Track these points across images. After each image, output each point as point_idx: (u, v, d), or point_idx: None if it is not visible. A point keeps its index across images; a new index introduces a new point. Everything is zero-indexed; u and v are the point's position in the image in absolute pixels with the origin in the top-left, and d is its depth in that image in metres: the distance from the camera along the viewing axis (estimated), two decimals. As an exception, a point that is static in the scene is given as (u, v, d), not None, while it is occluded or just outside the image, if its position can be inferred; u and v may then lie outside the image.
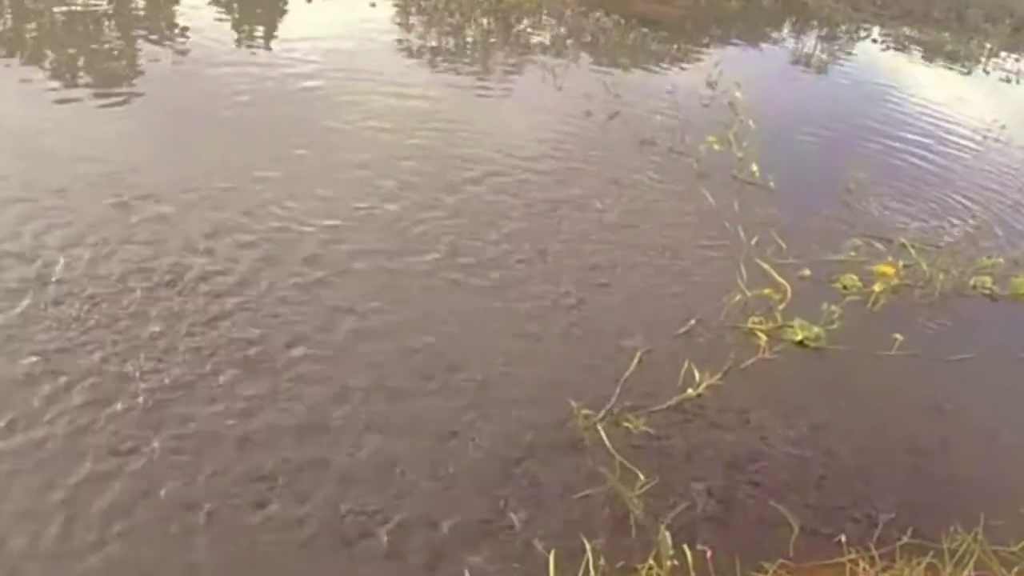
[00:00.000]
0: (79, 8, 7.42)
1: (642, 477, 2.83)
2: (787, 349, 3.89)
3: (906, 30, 12.28)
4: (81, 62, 6.36)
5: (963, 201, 6.11)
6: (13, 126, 4.93)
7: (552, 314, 3.84)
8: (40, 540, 2.28)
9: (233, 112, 5.62)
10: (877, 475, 3.17)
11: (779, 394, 3.59)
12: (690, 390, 3.41)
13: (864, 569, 2.39)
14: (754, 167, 5.78)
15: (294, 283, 3.71)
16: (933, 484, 3.21)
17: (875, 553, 2.53)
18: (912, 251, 4.95)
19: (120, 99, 5.64)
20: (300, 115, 5.74)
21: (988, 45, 11.96)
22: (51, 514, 2.36)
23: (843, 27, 12.30)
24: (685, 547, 2.50)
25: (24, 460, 2.53)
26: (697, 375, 3.46)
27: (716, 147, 5.99)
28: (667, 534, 2.55)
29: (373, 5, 9.13)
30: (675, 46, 9.36)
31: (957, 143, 7.50)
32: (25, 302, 3.25)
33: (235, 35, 7.48)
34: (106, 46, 6.86)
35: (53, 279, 3.42)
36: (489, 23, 9.32)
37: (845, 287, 4.49)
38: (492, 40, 8.94)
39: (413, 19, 8.98)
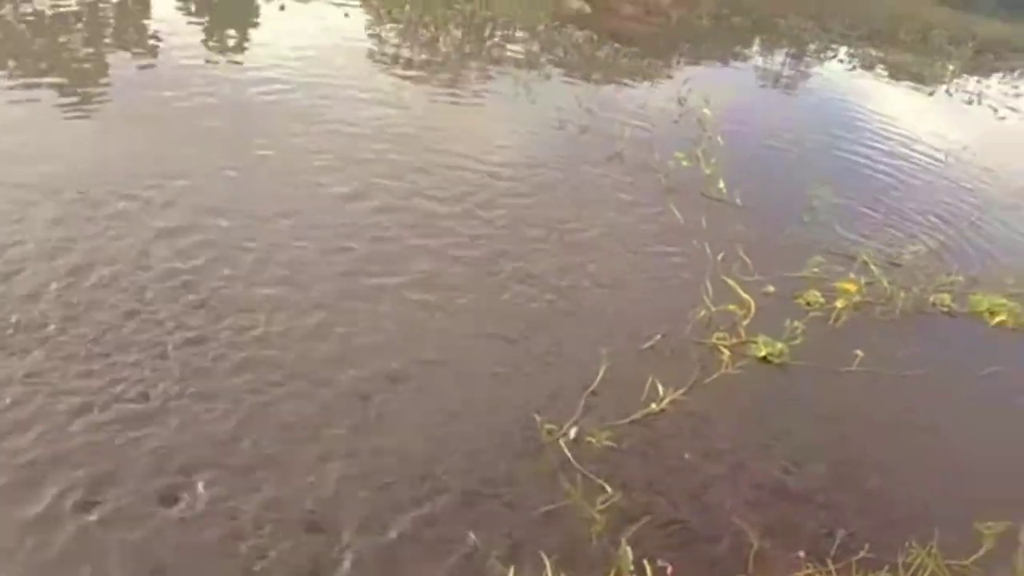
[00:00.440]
0: (48, 11, 7.33)
1: (609, 490, 2.85)
2: (750, 365, 3.93)
3: (872, 51, 12.54)
4: (45, 65, 6.27)
5: (924, 219, 6.24)
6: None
7: (517, 328, 3.84)
8: None
9: (197, 115, 5.58)
10: (837, 490, 3.21)
11: (741, 409, 3.62)
12: (653, 405, 3.43)
13: (822, 585, 2.41)
14: (721, 184, 5.85)
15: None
16: (891, 499, 3.24)
17: (832, 568, 2.55)
18: (874, 268, 5.04)
19: (83, 101, 5.59)
20: (264, 120, 5.72)
21: (951, 67, 12.24)
22: None
23: (811, 46, 12.53)
24: (645, 562, 2.51)
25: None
26: (661, 390, 3.50)
27: (684, 163, 6.07)
28: (628, 549, 2.55)
29: (347, 15, 9.13)
30: (646, 62, 9.47)
31: (919, 162, 7.65)
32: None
33: (206, 41, 7.43)
34: (74, 51, 6.77)
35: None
36: (463, 35, 9.35)
37: (808, 303, 4.56)
38: (466, 52, 8.97)
39: (386, 30, 8.98)
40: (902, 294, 4.76)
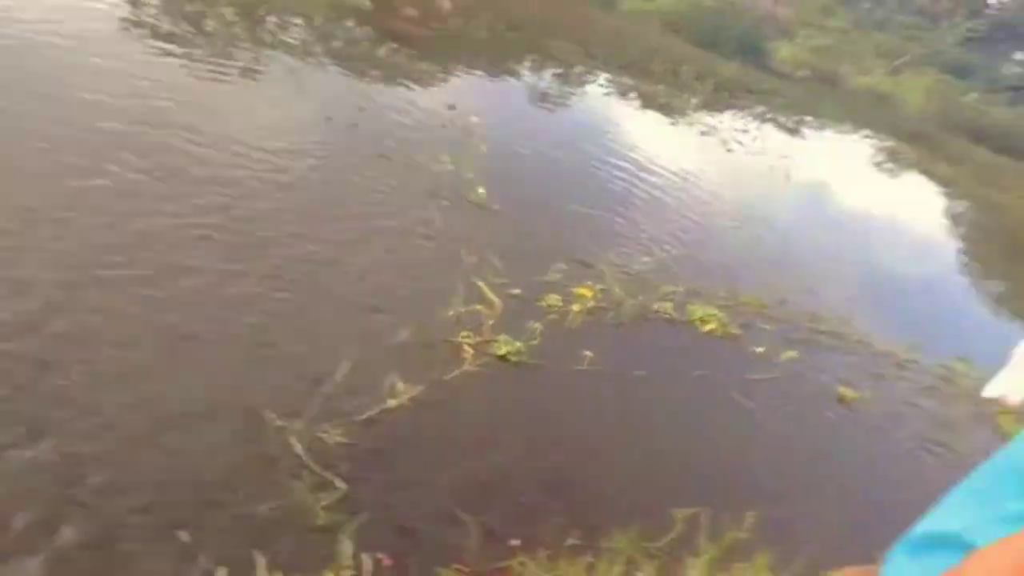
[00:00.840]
0: None
1: (338, 486, 2.85)
2: (490, 363, 4.12)
3: (628, 79, 13.66)
4: None
5: (656, 234, 6.90)
6: None
7: (258, 321, 3.72)
8: None
9: None
10: (554, 481, 3.44)
11: (477, 405, 3.78)
12: (391, 400, 3.49)
13: (532, 570, 2.58)
14: (481, 190, 6.09)
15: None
16: (603, 489, 3.55)
17: (543, 555, 2.74)
18: (608, 277, 5.50)
19: None
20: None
21: (694, 100, 13.69)
22: None
23: (576, 69, 13.39)
24: (364, 556, 2.55)
25: None
26: (401, 386, 3.57)
27: (448, 167, 6.25)
28: (348, 542, 2.58)
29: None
30: (422, 65, 9.58)
31: (658, 184, 8.46)
32: None
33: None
34: None
35: None
36: (233, 14, 8.86)
37: (549, 306, 4.87)
38: (235, 32, 8.50)
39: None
40: (630, 301, 5.24)
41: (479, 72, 10.84)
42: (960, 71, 28.34)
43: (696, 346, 5.27)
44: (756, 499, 3.61)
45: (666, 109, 12.55)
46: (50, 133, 4.63)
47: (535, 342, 4.34)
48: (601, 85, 12.89)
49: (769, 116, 15.58)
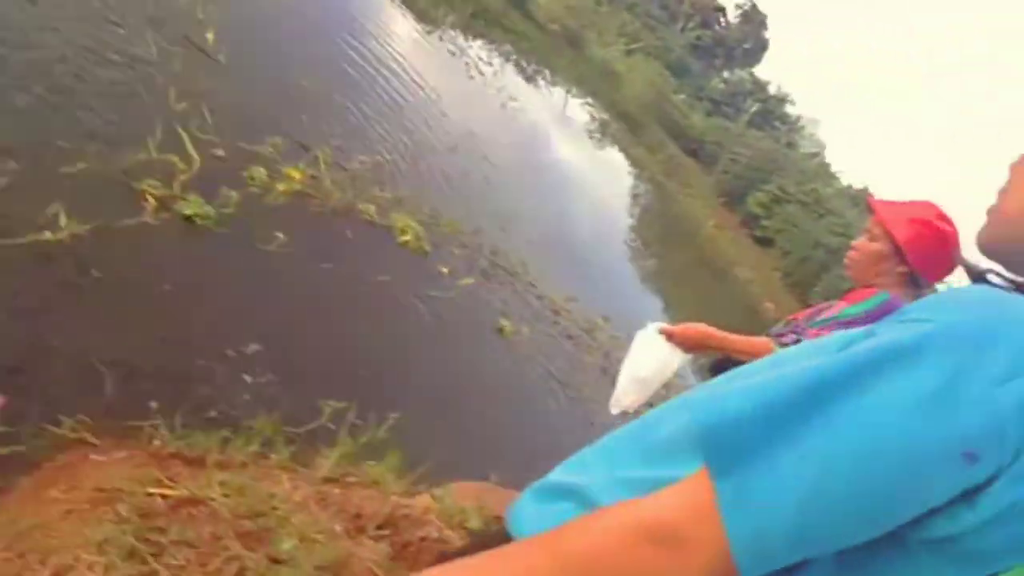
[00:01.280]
0: None
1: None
2: (173, 220, 3.84)
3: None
4: None
5: (382, 137, 6.90)
6: None
7: None
8: None
9: None
10: (214, 352, 3.37)
11: (147, 260, 3.54)
12: (48, 233, 3.14)
13: (162, 434, 2.54)
14: (210, 35, 5.55)
15: None
16: (260, 368, 3.55)
17: (177, 422, 2.70)
18: (323, 164, 5.40)
19: None
20: None
21: (451, 18, 13.62)
22: None
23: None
24: (-22, 393, 2.32)
25: None
26: (64, 220, 3.22)
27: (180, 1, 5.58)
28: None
29: None
30: None
31: (398, 88, 8.39)
32: None
33: None
34: None
35: None
36: None
37: (252, 178, 4.64)
38: None
39: None
40: (338, 194, 5.22)
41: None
42: (679, 71, 31.79)
43: (388, 253, 5.43)
44: (402, 405, 3.91)
45: (422, 17, 12.34)
46: None
47: (228, 211, 4.14)
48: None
49: (513, 57, 16.10)
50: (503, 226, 7.59)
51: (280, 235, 4.30)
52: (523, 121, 12.36)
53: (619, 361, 6.86)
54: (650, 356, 2.45)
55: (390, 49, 9.23)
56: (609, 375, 6.74)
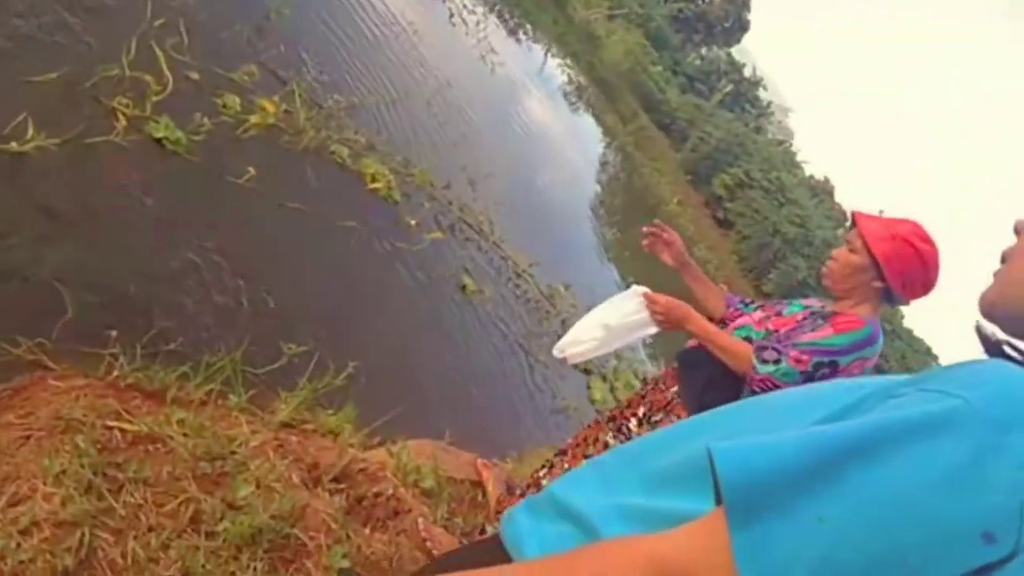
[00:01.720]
0: None
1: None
2: (143, 142, 3.71)
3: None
4: None
5: (360, 78, 6.74)
6: None
7: None
8: None
9: None
10: (178, 283, 3.31)
11: (112, 180, 3.40)
12: (14, 144, 3.00)
13: (121, 364, 2.49)
14: (190, -55, 5.29)
15: None
16: (224, 304, 3.50)
17: (138, 352, 2.64)
18: (298, 99, 5.26)
19: None
20: None
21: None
22: None
23: None
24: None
25: None
26: (31, 131, 3.08)
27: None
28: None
29: None
30: None
31: (377, 28, 8.18)
32: None
33: None
34: None
35: None
36: None
37: (225, 106, 4.50)
38: None
39: None
40: (311, 132, 5.09)
41: None
42: (658, 41, 31.59)
43: (358, 199, 5.34)
44: (361, 354, 3.90)
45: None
46: None
47: (199, 138, 4.02)
48: None
49: (497, 7, 15.79)
50: (474, 183, 7.54)
51: (251, 169, 4.19)
52: (501, 76, 12.18)
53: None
54: (621, 311, 2.44)
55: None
56: (564, 342, 6.81)
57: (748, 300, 2.66)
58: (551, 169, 11.70)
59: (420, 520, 2.65)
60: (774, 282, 20.24)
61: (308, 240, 4.52)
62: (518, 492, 2.75)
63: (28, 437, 1.88)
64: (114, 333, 2.66)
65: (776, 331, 2.27)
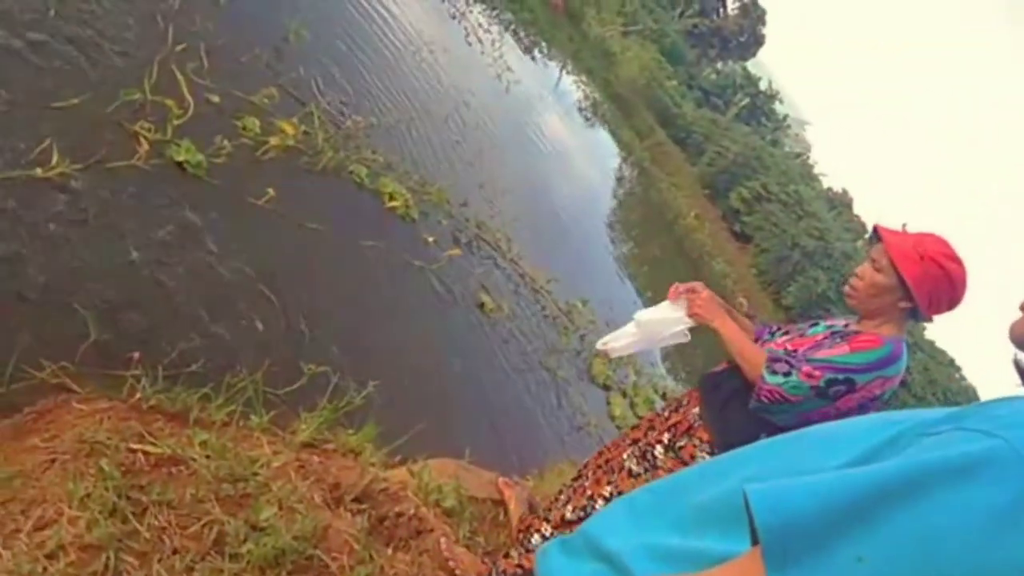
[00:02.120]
0: None
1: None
2: (164, 166, 3.76)
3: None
4: None
5: (377, 97, 6.80)
6: None
7: None
8: None
9: None
10: (199, 305, 3.34)
11: (139, 202, 3.46)
12: (39, 170, 3.05)
13: (143, 387, 2.50)
14: (209, -28, 5.39)
15: None
16: (245, 325, 3.53)
17: (160, 374, 2.66)
18: (317, 121, 5.31)
19: None
20: None
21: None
22: None
23: None
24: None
25: None
26: (55, 157, 3.13)
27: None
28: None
29: None
30: None
31: (396, 48, 8.25)
32: None
33: None
34: None
35: None
36: None
37: (245, 129, 4.55)
38: None
39: None
40: (330, 153, 5.13)
41: None
42: (673, 56, 31.63)
43: (376, 218, 5.38)
44: (381, 373, 3.90)
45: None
46: None
47: (219, 161, 4.06)
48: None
49: (512, 27, 15.89)
50: (490, 199, 7.56)
51: (270, 190, 4.22)
52: (518, 93, 12.23)
53: (593, 344, 6.91)
54: (658, 308, 2.48)
55: (390, 7, 9.04)
56: (582, 358, 6.79)
57: (775, 328, 2.63)
58: (568, 185, 11.71)
59: (442, 540, 2.63)
60: (794, 295, 20.04)
61: (327, 260, 4.55)
62: (540, 513, 2.73)
63: (53, 460, 1.89)
64: (136, 355, 2.68)
65: (795, 350, 2.23)
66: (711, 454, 2.27)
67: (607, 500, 2.43)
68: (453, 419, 4.41)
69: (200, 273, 3.50)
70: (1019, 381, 0.90)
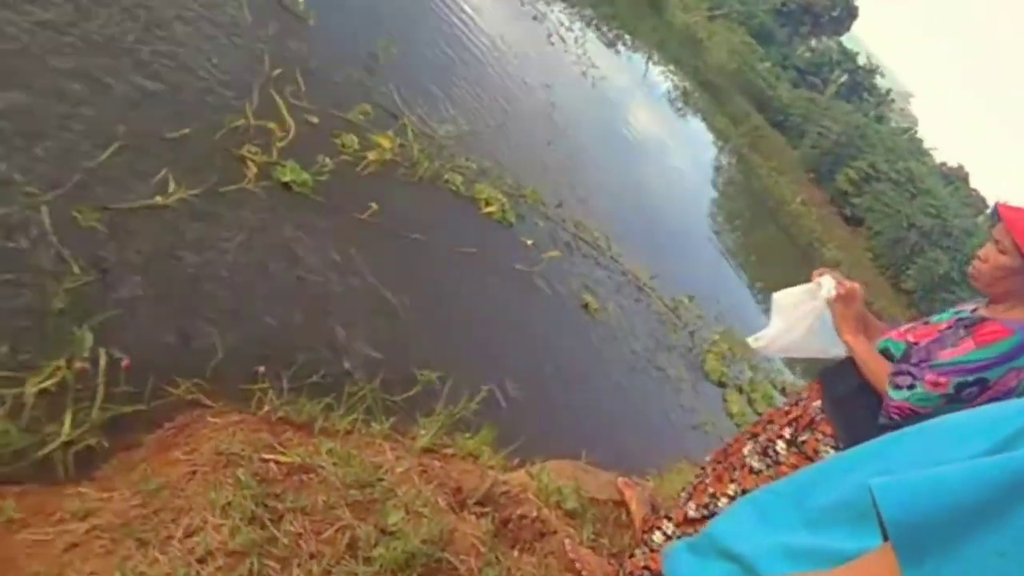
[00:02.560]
0: None
1: (85, 273, 2.61)
2: (272, 187, 3.91)
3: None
4: None
5: (466, 106, 6.87)
6: None
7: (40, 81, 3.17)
8: None
9: None
10: (315, 318, 3.44)
11: (251, 224, 3.59)
12: (159, 198, 3.22)
13: (271, 399, 2.59)
14: (300, -2, 5.59)
15: None
16: (360, 335, 3.60)
17: (285, 386, 2.76)
18: (411, 133, 5.40)
19: None
20: None
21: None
22: None
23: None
24: (103, 351, 2.40)
25: None
26: (172, 185, 3.30)
27: (269, -39, 5.62)
28: (88, 335, 2.41)
29: None
30: None
31: (480, 55, 8.33)
32: None
33: None
34: None
35: None
36: None
37: (344, 145, 4.68)
38: None
39: None
40: (425, 163, 5.21)
41: None
42: (763, 37, 30.66)
43: (474, 224, 5.41)
44: (492, 378, 3.91)
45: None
46: None
47: (323, 178, 4.19)
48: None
49: (594, 22, 15.78)
50: (584, 199, 7.49)
51: (373, 204, 4.32)
52: (604, 89, 12.12)
53: (703, 340, 6.71)
54: (796, 291, 2.35)
55: (472, 15, 9.14)
56: (693, 354, 6.62)
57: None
58: (663, 178, 11.50)
59: (567, 542, 2.60)
60: (914, 278, 18.97)
61: (430, 268, 4.60)
62: (662, 512, 2.65)
63: (194, 472, 1.98)
64: (262, 369, 2.79)
65: (916, 343, 2.06)
66: (835, 448, 2.15)
67: (731, 498, 2.36)
68: (567, 420, 4.37)
69: (312, 287, 3.61)
70: None
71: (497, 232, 5.56)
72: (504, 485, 2.67)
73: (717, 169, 15.60)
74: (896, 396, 1.99)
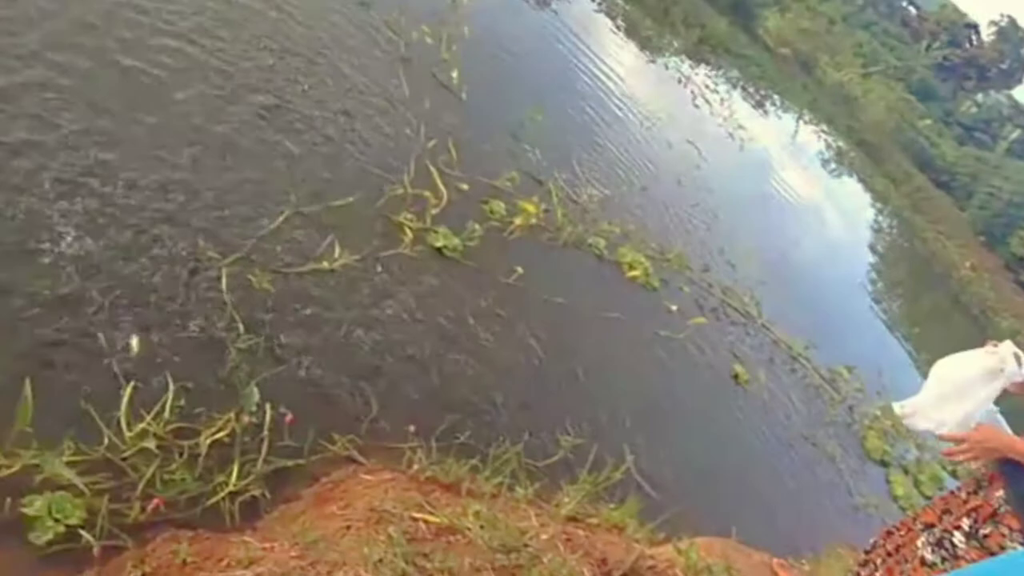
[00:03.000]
0: None
1: (255, 333, 2.82)
2: (426, 252, 4.08)
3: (621, 1, 13.25)
4: None
5: (609, 170, 6.92)
6: None
7: (216, 149, 3.54)
8: None
9: None
10: (464, 380, 3.52)
11: (407, 288, 3.76)
12: (325, 262, 3.44)
13: (420, 459, 2.66)
14: (455, 73, 5.89)
15: None
16: (505, 398, 3.62)
17: (433, 446, 2.82)
18: (555, 198, 5.50)
19: None
20: None
21: (676, 44, 13.51)
22: None
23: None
24: (268, 406, 2.55)
25: None
26: (338, 250, 3.52)
27: (427, 39, 6.00)
28: (255, 390, 2.58)
29: None
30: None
31: (622, 118, 8.43)
32: None
33: None
34: None
35: None
36: None
37: (492, 211, 4.83)
38: None
39: None
40: (569, 228, 5.28)
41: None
42: (923, 94, 29.12)
43: (618, 289, 5.39)
44: (637, 446, 3.82)
45: (648, 45, 12.35)
46: None
47: (472, 243, 4.33)
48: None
49: (740, 83, 15.62)
50: (733, 263, 7.29)
51: (519, 268, 4.40)
52: (752, 150, 11.88)
53: (864, 416, 6.24)
54: (966, 356, 2.08)
55: (615, 81, 9.29)
56: (852, 431, 6.18)
57: None
58: (817, 242, 11.02)
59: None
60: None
61: (573, 333, 4.60)
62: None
63: (349, 527, 2.05)
64: (412, 428, 2.87)
65: None
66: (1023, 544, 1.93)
67: (900, 596, 2.15)
68: (716, 495, 4.17)
69: (459, 350, 3.70)
70: None
71: (641, 296, 5.51)
72: (650, 559, 2.57)
73: (876, 232, 14.76)
74: None
